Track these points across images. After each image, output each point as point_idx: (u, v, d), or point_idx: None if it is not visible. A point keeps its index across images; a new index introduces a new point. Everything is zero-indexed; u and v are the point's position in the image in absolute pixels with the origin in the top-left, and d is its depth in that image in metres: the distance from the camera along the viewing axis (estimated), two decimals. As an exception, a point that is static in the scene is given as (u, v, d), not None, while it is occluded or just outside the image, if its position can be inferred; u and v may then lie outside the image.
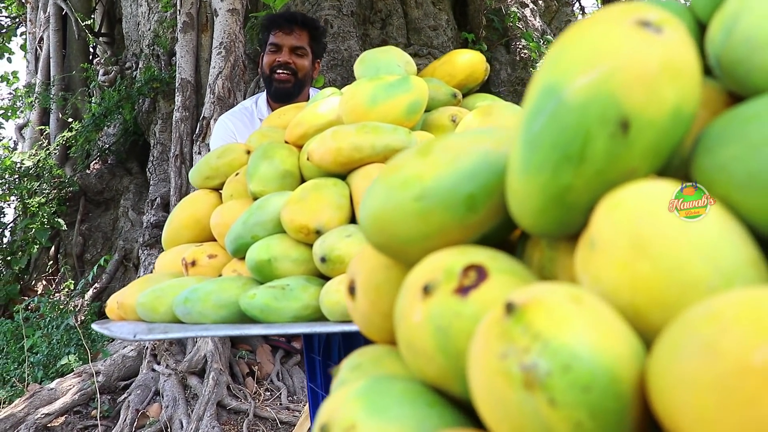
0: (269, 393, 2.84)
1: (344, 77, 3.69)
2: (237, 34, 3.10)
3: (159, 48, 3.90)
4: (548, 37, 3.92)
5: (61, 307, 3.62)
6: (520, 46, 3.89)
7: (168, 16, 3.92)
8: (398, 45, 4.04)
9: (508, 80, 3.98)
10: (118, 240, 4.02)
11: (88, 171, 4.17)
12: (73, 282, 3.91)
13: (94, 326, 1.27)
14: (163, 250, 1.39)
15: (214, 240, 1.29)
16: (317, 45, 2.24)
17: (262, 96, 2.37)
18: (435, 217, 0.49)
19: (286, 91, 2.14)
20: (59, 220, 3.87)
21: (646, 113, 0.41)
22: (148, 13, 4.08)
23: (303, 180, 1.24)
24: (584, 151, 0.42)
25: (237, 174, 1.31)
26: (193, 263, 1.23)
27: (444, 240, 0.50)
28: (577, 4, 5.44)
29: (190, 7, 3.25)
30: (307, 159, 1.18)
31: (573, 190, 0.43)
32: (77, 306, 3.73)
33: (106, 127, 4.21)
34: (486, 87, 4.10)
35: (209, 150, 2.97)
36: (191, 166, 3.12)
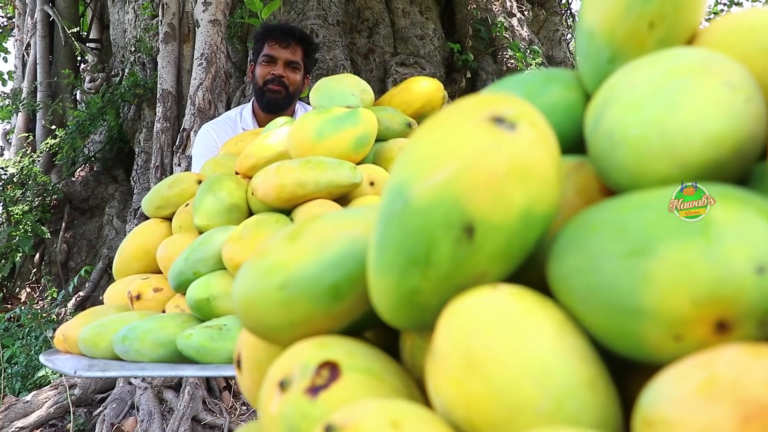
0: (245, 407, 2.83)
1: (329, 87, 3.67)
2: (218, 45, 3.09)
3: (144, 55, 3.89)
4: (535, 47, 3.89)
5: (44, 315, 3.61)
6: (507, 56, 3.87)
7: (154, 23, 3.91)
8: (385, 54, 4.03)
9: (495, 90, 3.96)
10: (102, 248, 4.00)
11: (73, 178, 4.15)
12: (56, 290, 3.90)
13: (41, 358, 1.26)
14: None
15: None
16: (310, 60, 2.25)
17: (248, 106, 2.36)
18: (299, 307, 0.48)
19: (277, 102, 2.15)
20: (43, 228, 3.85)
21: (491, 217, 0.39)
22: (135, 21, 4.07)
23: (251, 213, 1.23)
24: (429, 255, 0.40)
25: (187, 205, 1.30)
26: (138, 297, 1.21)
27: (310, 329, 0.49)
28: (567, 14, 5.42)
29: (172, 17, 3.23)
30: (252, 194, 1.16)
31: (421, 292, 0.41)
32: (60, 314, 3.72)
33: (92, 134, 4.20)
34: (473, 97, 4.09)
35: (190, 161, 2.96)
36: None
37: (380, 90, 3.92)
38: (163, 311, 1.19)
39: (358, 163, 1.27)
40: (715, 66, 0.45)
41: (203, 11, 3.08)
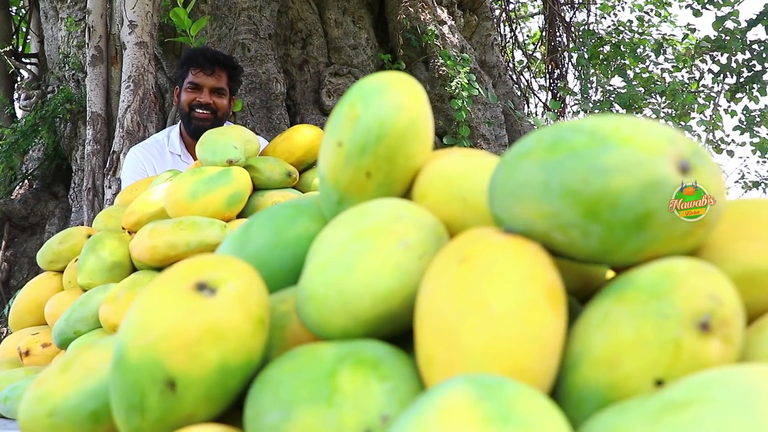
0: None
1: (262, 100, 3.73)
2: (146, 67, 3.12)
3: (78, 72, 3.89)
4: (465, 54, 3.99)
5: (-14, 335, 3.62)
6: (439, 64, 3.96)
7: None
8: (319, 64, 4.08)
9: (428, 97, 4.05)
10: (43, 266, 4.02)
11: (12, 196, 4.15)
12: (-3, 310, 3.91)
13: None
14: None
15: (54, 325, 1.35)
16: (235, 83, 2.29)
17: (175, 129, 2.40)
18: (65, 431, 0.56)
19: (204, 129, 2.17)
20: (-18, 248, 3.86)
21: (189, 373, 0.48)
22: (67, 37, 4.07)
23: (134, 268, 1.30)
24: (143, 403, 0.49)
25: (76, 260, 1.36)
26: (27, 353, 1.28)
27: (78, 448, 0.57)
28: (500, 18, 5.53)
29: (99, 40, 3.25)
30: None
31: (143, 431, 0.50)
32: (2, 333, 3.74)
33: (30, 152, 4.19)
34: (407, 105, 4.17)
35: (120, 184, 3.00)
36: (103, 199, 3.14)
37: (314, 101, 3.98)
38: (51, 367, 1.26)
39: (238, 216, 1.35)
40: (398, 225, 0.53)
41: (129, 33, 3.11)
